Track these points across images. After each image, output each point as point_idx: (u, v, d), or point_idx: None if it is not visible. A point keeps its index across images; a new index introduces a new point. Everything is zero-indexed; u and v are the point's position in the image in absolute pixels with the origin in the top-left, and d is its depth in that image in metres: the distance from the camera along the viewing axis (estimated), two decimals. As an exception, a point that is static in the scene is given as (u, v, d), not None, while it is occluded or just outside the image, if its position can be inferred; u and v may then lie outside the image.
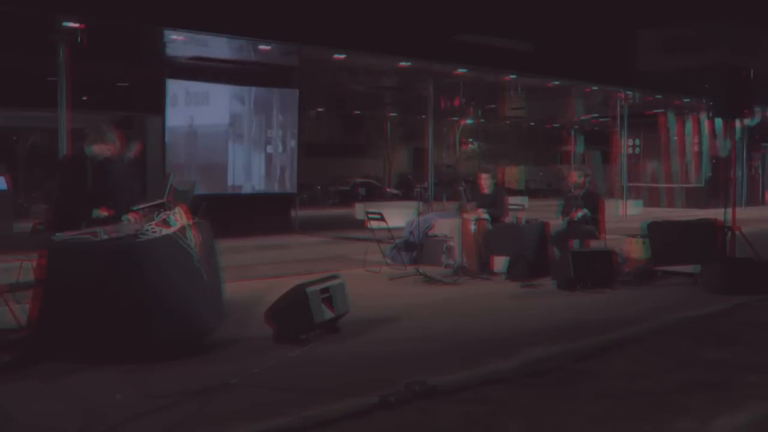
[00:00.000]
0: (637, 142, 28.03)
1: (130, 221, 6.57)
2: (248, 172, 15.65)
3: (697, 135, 26.57)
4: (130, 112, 16.00)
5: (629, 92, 22.76)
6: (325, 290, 6.38)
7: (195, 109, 14.70)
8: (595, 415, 4.58)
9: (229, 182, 15.37)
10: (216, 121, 15.05)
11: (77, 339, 5.55)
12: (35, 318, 5.68)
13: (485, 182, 10.38)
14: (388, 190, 33.24)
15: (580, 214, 9.90)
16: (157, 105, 14.38)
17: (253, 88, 15.50)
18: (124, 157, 7.45)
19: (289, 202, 16.98)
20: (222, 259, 7.30)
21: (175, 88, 14.33)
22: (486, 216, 9.98)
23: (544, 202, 24.19)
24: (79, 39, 11.51)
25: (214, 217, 7.39)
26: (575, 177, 10.29)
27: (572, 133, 33.31)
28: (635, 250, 10.10)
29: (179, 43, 13.48)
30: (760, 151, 29.81)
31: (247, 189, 15.62)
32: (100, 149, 6.73)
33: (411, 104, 24.73)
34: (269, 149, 15.91)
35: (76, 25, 11.58)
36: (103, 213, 6.54)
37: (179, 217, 6.32)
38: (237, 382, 5.04)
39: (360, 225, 14.37)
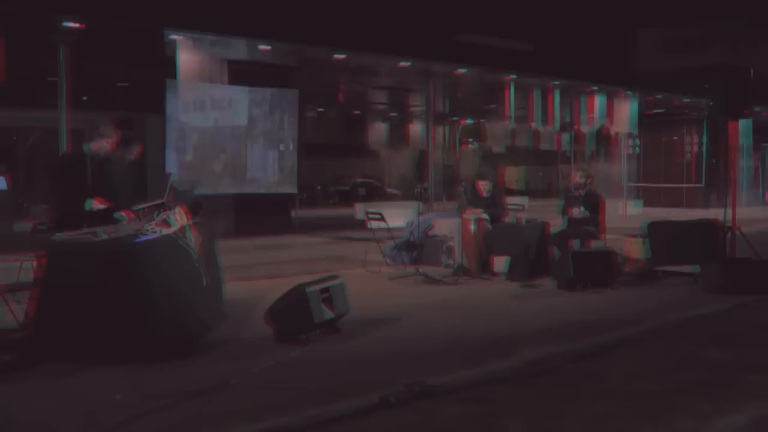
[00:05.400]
0: (637, 142, 28.03)
1: (123, 217, 6.54)
2: (248, 171, 15.64)
3: (696, 135, 26.59)
4: (130, 112, 15.98)
5: (629, 92, 22.77)
6: (325, 290, 6.38)
7: (195, 110, 14.69)
8: (595, 415, 4.58)
9: (229, 182, 15.36)
10: (215, 121, 15.04)
11: (77, 339, 5.55)
12: (32, 318, 5.68)
13: (483, 188, 10.38)
14: (388, 190, 33.19)
15: (576, 211, 9.90)
16: (157, 105, 14.38)
17: (253, 89, 15.49)
18: (125, 159, 7.44)
19: (289, 202, 16.98)
20: (222, 259, 7.30)
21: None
22: (486, 216, 9.98)
23: (544, 202, 24.21)
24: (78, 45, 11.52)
25: (214, 217, 7.39)
26: (577, 177, 10.30)
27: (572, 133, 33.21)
28: (635, 250, 10.11)
29: (179, 43, 13.48)
30: (760, 151, 29.81)
31: (247, 189, 15.62)
32: (98, 145, 6.73)
33: (411, 104, 24.72)
34: (269, 149, 15.90)
35: (77, 25, 11.59)
36: (98, 205, 6.53)
37: (179, 217, 6.32)
38: (237, 382, 5.04)
39: (360, 225, 14.38)
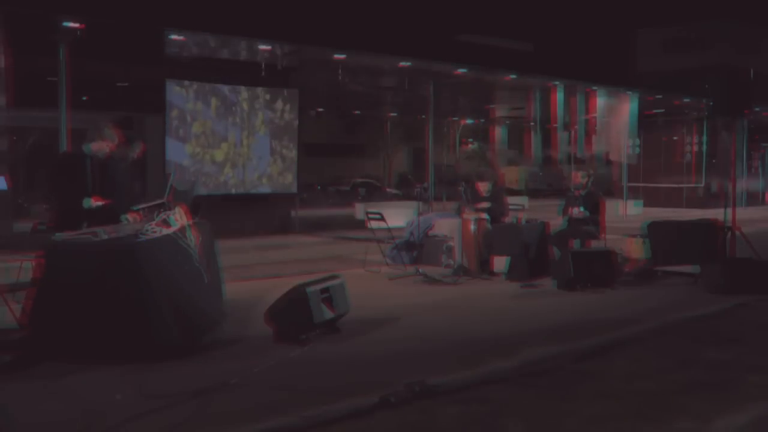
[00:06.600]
0: (637, 142, 28.02)
1: (129, 221, 6.58)
2: (249, 171, 15.65)
3: (696, 135, 26.58)
4: (130, 112, 16.01)
5: (629, 92, 22.77)
6: (325, 290, 6.38)
7: (196, 109, 14.72)
8: (595, 415, 4.58)
9: (230, 182, 15.38)
10: (216, 121, 15.06)
11: (77, 339, 5.55)
12: (31, 318, 5.68)
13: (483, 188, 10.39)
14: (387, 190, 33.19)
15: (576, 210, 9.90)
16: (157, 105, 14.40)
17: (253, 88, 15.51)
18: (127, 157, 7.46)
19: (289, 202, 16.99)
20: (222, 259, 7.30)
21: (176, 88, 14.36)
22: (486, 216, 9.98)
23: (544, 202, 24.21)
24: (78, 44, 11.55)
25: (214, 217, 7.39)
26: (578, 177, 10.30)
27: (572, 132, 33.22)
28: (635, 250, 10.11)
29: (180, 43, 13.50)
30: (760, 151, 29.80)
31: (248, 189, 15.63)
32: (98, 146, 6.75)
33: (411, 104, 24.73)
34: (269, 149, 15.91)
35: (76, 25, 11.59)
36: (95, 202, 6.54)
37: (179, 217, 6.32)
38: (237, 382, 5.04)
39: (360, 225, 14.37)
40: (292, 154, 16.26)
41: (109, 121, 7.21)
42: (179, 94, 14.41)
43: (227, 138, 15.22)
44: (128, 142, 7.44)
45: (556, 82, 20.54)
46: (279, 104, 15.93)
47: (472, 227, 9.87)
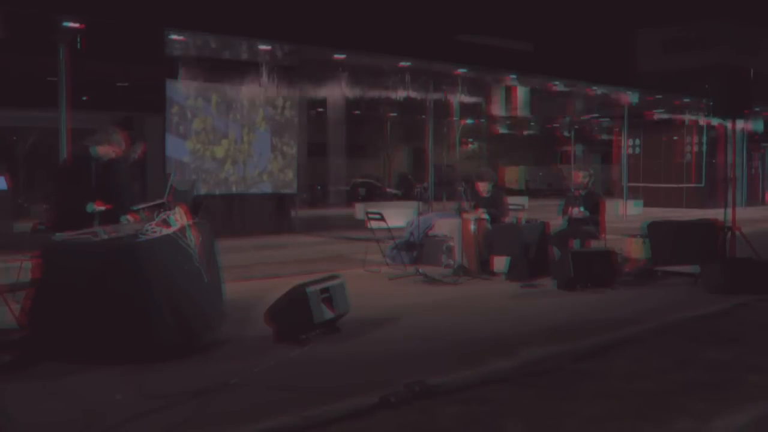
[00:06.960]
0: (637, 142, 28.03)
1: (129, 221, 6.59)
2: (249, 168, 15.66)
3: (696, 135, 26.59)
4: (130, 112, 16.02)
5: (629, 92, 22.76)
6: (325, 290, 6.38)
7: (197, 106, 14.73)
8: (595, 415, 4.58)
9: (231, 179, 15.38)
10: (216, 117, 15.07)
11: (77, 339, 5.55)
12: (31, 318, 5.68)
13: (483, 188, 10.38)
14: (387, 190, 33.17)
15: (576, 210, 9.91)
16: (157, 105, 14.41)
17: (254, 88, 15.51)
18: (129, 158, 7.47)
19: (289, 202, 16.99)
20: (222, 259, 7.30)
21: (177, 87, 14.39)
22: (486, 216, 9.98)
23: (544, 202, 24.23)
24: (78, 44, 11.54)
25: (214, 217, 7.39)
26: (580, 177, 10.30)
27: (572, 133, 33.22)
28: (635, 250, 10.11)
29: (180, 43, 13.50)
30: (760, 151, 29.80)
31: (247, 189, 15.64)
32: (105, 150, 6.78)
33: (411, 104, 24.69)
34: (270, 146, 15.92)
35: (76, 25, 11.59)
36: (98, 207, 6.57)
37: (179, 217, 6.32)
38: (237, 382, 5.05)
39: (360, 225, 14.38)
40: (293, 151, 16.28)
41: (116, 125, 7.25)
42: (179, 91, 14.45)
43: (228, 134, 15.25)
44: (130, 142, 7.46)
45: (556, 82, 20.52)
46: (279, 101, 15.96)
47: (472, 227, 9.87)
